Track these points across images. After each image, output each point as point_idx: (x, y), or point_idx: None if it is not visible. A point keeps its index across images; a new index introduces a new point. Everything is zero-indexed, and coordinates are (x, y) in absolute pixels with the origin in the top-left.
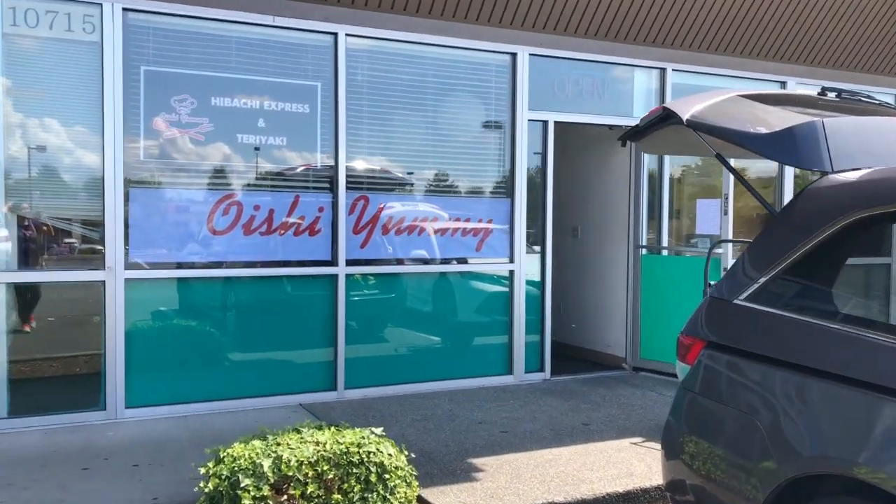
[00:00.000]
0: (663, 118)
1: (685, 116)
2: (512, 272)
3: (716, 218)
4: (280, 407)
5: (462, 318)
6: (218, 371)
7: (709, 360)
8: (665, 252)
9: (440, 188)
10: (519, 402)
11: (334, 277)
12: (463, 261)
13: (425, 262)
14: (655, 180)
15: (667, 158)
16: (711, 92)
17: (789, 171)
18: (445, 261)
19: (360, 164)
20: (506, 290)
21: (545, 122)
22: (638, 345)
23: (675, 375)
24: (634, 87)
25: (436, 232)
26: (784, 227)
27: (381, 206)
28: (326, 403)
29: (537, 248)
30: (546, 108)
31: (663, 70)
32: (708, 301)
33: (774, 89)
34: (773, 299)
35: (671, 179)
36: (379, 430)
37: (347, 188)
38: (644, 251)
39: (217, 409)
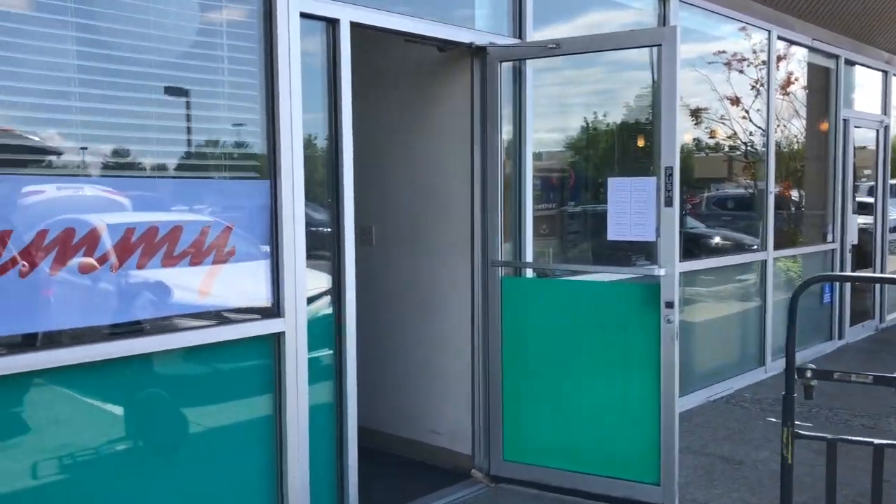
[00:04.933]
0: None
1: None
2: (279, 337)
3: (648, 212)
4: None
5: (176, 463)
6: None
7: None
8: (531, 273)
9: (112, 161)
10: None
11: None
12: (168, 324)
13: (85, 336)
14: (516, 144)
15: (530, 97)
16: None
17: None
18: (134, 328)
19: None
20: (263, 381)
21: (334, 23)
22: (499, 436)
23: (577, 494)
24: None
25: (102, 261)
26: None
27: None
28: None
29: (324, 277)
30: None
31: None
32: None
33: None
34: None
35: (549, 140)
36: None
37: None
38: (504, 271)
39: None
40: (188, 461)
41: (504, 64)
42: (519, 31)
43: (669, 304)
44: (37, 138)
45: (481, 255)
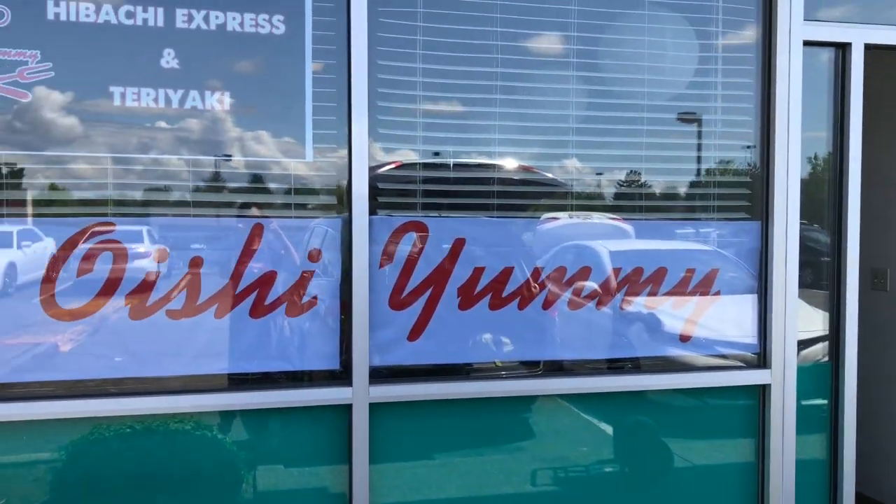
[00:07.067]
0: None
1: None
2: (763, 388)
3: None
4: None
5: None
6: None
7: None
8: None
9: (598, 204)
10: None
11: (341, 415)
12: (651, 364)
13: (573, 369)
14: None
15: None
16: None
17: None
18: (621, 364)
19: (409, 147)
20: (745, 427)
21: (843, 48)
22: None
23: None
24: None
25: (592, 298)
26: None
27: (460, 243)
28: None
29: (819, 319)
30: (843, 18)
31: None
32: None
33: None
34: None
35: None
36: None
37: (377, 203)
38: None
39: None
40: (663, 494)
41: None
42: None
43: None
44: (548, 175)
45: None
